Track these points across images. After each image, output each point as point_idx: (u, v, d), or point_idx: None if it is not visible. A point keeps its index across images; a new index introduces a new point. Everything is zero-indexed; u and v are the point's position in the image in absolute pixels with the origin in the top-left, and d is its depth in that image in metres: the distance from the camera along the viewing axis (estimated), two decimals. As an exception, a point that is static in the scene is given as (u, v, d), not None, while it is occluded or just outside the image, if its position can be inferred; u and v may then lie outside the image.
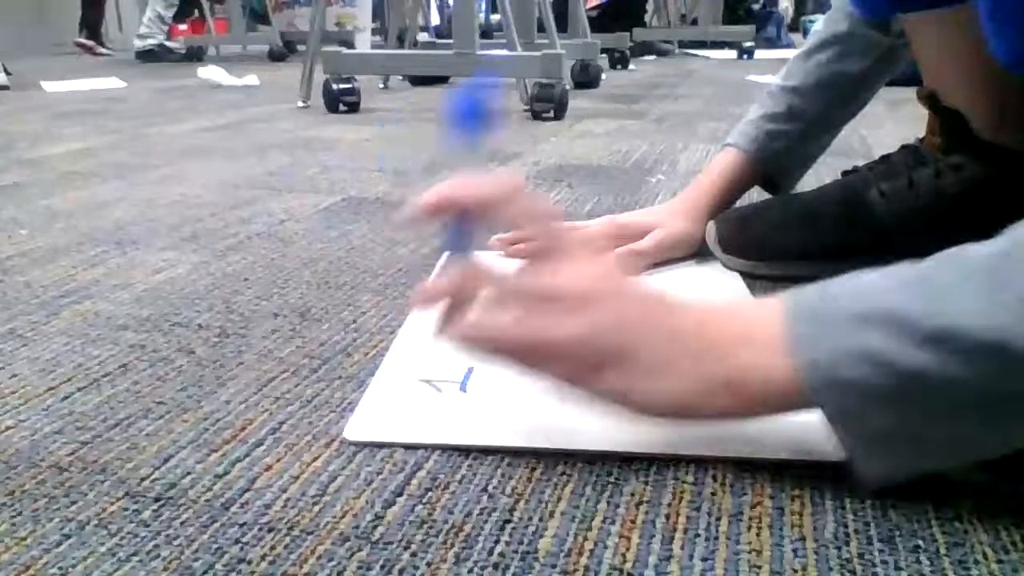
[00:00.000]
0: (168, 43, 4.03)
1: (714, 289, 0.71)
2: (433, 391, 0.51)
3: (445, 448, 0.45)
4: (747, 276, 0.73)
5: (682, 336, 0.42)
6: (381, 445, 0.45)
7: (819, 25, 0.80)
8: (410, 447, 0.45)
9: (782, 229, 0.73)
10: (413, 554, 0.36)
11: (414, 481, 0.42)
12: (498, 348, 0.44)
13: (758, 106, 0.80)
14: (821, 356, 0.38)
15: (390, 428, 0.47)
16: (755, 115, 0.79)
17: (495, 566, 0.36)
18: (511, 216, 0.43)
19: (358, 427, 0.47)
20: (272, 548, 0.37)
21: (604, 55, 2.96)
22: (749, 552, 0.36)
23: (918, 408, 0.37)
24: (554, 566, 0.36)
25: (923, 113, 0.71)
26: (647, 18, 4.64)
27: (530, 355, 0.43)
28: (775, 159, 0.79)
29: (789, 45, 4.22)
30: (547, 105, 1.80)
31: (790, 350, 0.39)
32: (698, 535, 0.38)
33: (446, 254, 0.45)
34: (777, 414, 0.42)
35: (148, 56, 3.95)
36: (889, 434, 0.38)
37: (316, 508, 0.40)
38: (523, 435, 0.46)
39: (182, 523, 0.39)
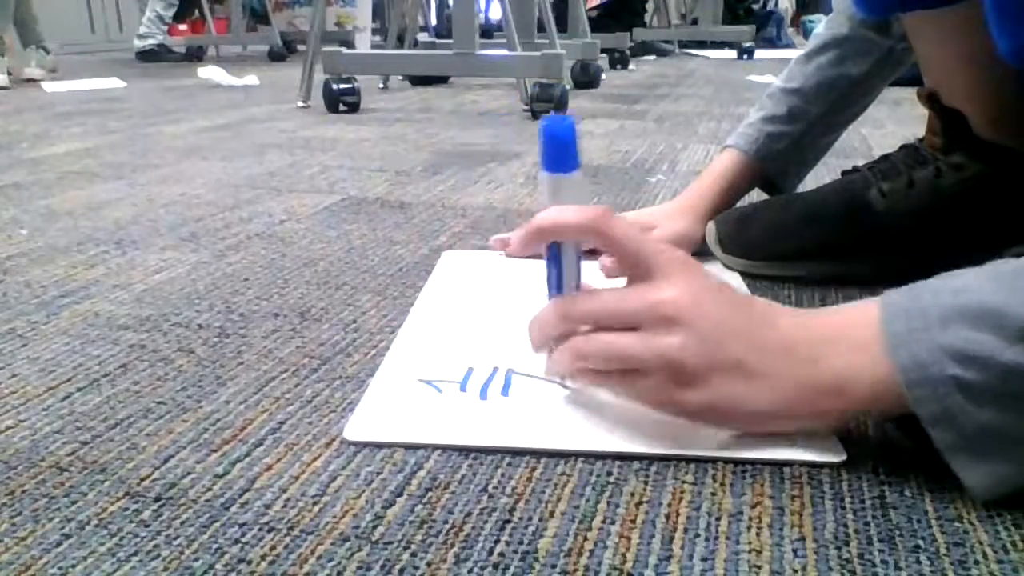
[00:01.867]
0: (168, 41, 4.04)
1: None
2: (433, 391, 0.51)
3: (445, 448, 0.45)
4: (747, 276, 0.73)
5: (778, 344, 0.42)
6: (381, 445, 0.45)
7: (820, 28, 0.80)
8: (410, 447, 0.45)
9: (782, 229, 0.73)
10: (413, 554, 0.36)
11: (414, 481, 0.42)
12: (596, 373, 0.45)
13: (759, 108, 0.80)
14: (918, 354, 0.37)
15: (390, 428, 0.47)
16: (756, 117, 0.80)
17: (495, 566, 0.36)
18: (607, 243, 0.44)
19: (358, 427, 0.47)
20: (272, 548, 0.37)
21: (604, 55, 2.96)
22: (749, 552, 0.36)
23: (1014, 403, 0.36)
24: (554, 566, 0.36)
25: (923, 113, 0.71)
26: (647, 18, 4.63)
27: (624, 376, 0.44)
28: (775, 160, 0.79)
29: (789, 45, 4.23)
30: (547, 105, 1.80)
31: (888, 349, 0.38)
32: (698, 535, 0.38)
33: (549, 290, 0.47)
34: (878, 415, 0.44)
35: (148, 56, 3.95)
36: (990, 433, 0.37)
37: (316, 508, 0.40)
38: (523, 435, 0.46)
39: (182, 523, 0.39)
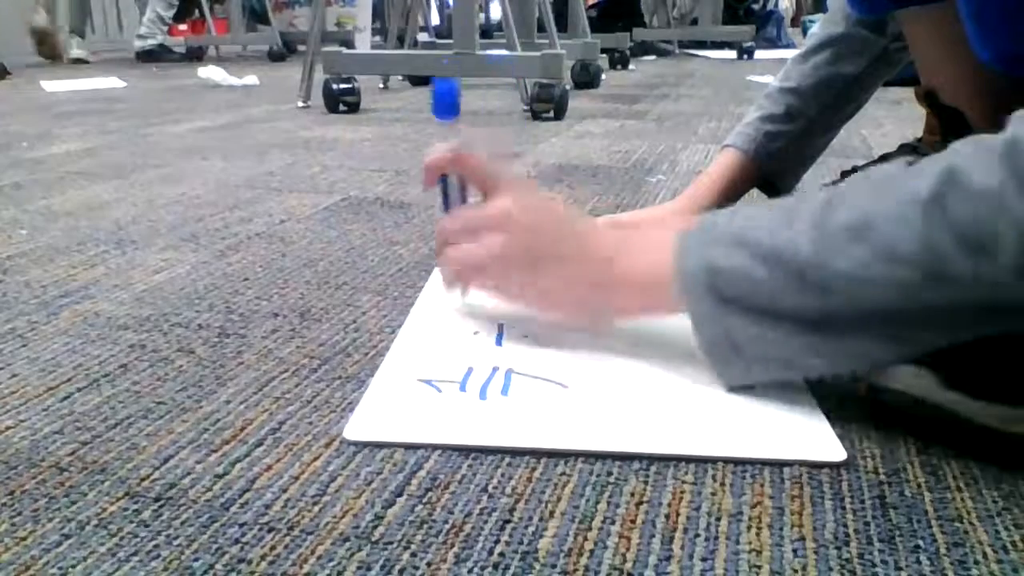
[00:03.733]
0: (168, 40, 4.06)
1: None
2: (433, 391, 0.51)
3: (445, 448, 0.45)
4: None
5: (585, 241, 0.53)
6: (381, 445, 0.45)
7: (816, 27, 0.80)
8: (410, 447, 0.45)
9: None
10: (413, 554, 0.36)
11: (414, 481, 0.42)
12: (455, 270, 0.58)
13: (757, 108, 0.81)
14: (689, 264, 0.46)
15: (390, 428, 0.47)
16: (753, 116, 0.80)
17: (495, 566, 0.36)
18: (465, 171, 0.58)
19: (358, 427, 0.47)
20: (272, 548, 0.37)
21: (604, 55, 2.96)
22: (749, 552, 0.36)
23: (758, 315, 0.44)
24: (554, 566, 0.36)
25: (922, 113, 0.71)
26: (646, 18, 4.63)
27: (471, 271, 0.57)
28: (774, 159, 0.79)
29: (789, 45, 4.22)
30: (547, 105, 1.80)
31: (672, 256, 0.47)
32: (698, 535, 0.38)
33: (437, 213, 0.62)
34: (670, 313, 0.49)
35: (148, 56, 3.96)
36: (736, 338, 0.45)
37: (316, 508, 0.40)
38: (523, 435, 0.46)
39: (182, 523, 0.39)
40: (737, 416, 0.47)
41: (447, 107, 0.61)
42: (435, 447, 0.45)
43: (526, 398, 0.50)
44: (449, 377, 0.53)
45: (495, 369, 0.54)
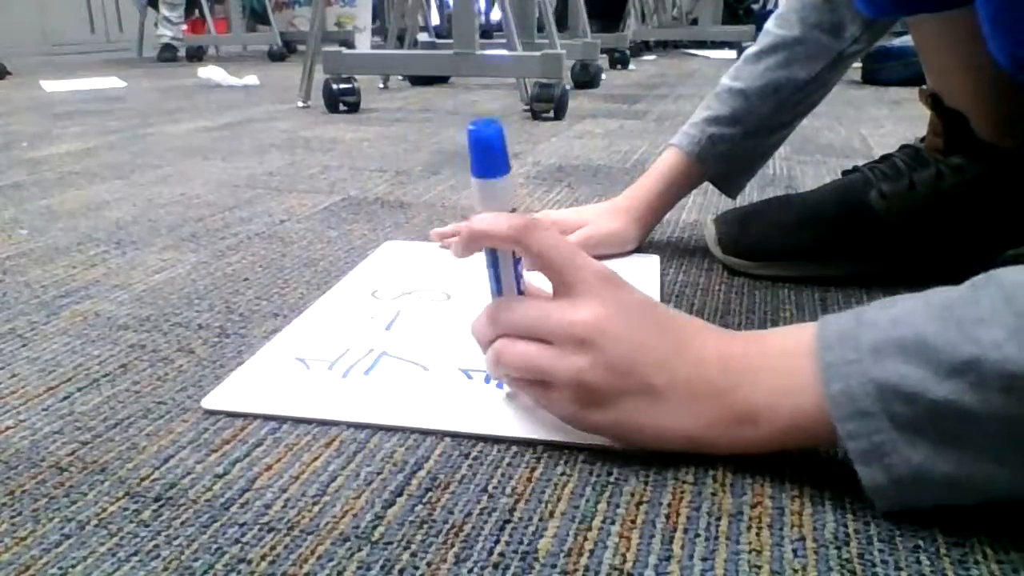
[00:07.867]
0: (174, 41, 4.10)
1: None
2: (302, 368, 0.54)
3: (299, 420, 0.47)
4: (747, 276, 0.73)
5: (694, 369, 0.42)
6: (235, 415, 0.48)
7: (771, 24, 0.77)
8: (266, 418, 0.48)
9: (782, 229, 0.73)
10: (413, 554, 0.36)
11: (414, 481, 0.42)
12: (516, 379, 0.45)
13: (705, 107, 0.79)
14: (850, 386, 0.36)
15: (246, 400, 0.50)
16: (699, 117, 0.78)
17: (495, 566, 0.36)
18: (528, 255, 0.44)
19: (218, 398, 0.50)
20: (272, 548, 0.37)
21: (604, 55, 2.96)
22: (749, 552, 0.36)
23: (949, 443, 0.35)
24: (554, 566, 0.36)
25: (923, 113, 0.71)
26: (632, 18, 4.59)
27: (538, 386, 0.44)
28: (716, 163, 0.78)
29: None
30: (547, 105, 1.80)
31: (819, 380, 0.37)
32: (698, 535, 0.38)
33: (491, 293, 0.47)
34: (800, 446, 0.42)
35: (164, 52, 4.03)
36: (920, 473, 0.36)
37: (316, 508, 0.40)
38: (366, 411, 0.48)
39: (182, 523, 0.39)
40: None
41: (493, 160, 0.43)
42: (288, 419, 0.48)
43: (385, 379, 0.52)
44: (323, 356, 0.55)
45: (370, 351, 0.56)
